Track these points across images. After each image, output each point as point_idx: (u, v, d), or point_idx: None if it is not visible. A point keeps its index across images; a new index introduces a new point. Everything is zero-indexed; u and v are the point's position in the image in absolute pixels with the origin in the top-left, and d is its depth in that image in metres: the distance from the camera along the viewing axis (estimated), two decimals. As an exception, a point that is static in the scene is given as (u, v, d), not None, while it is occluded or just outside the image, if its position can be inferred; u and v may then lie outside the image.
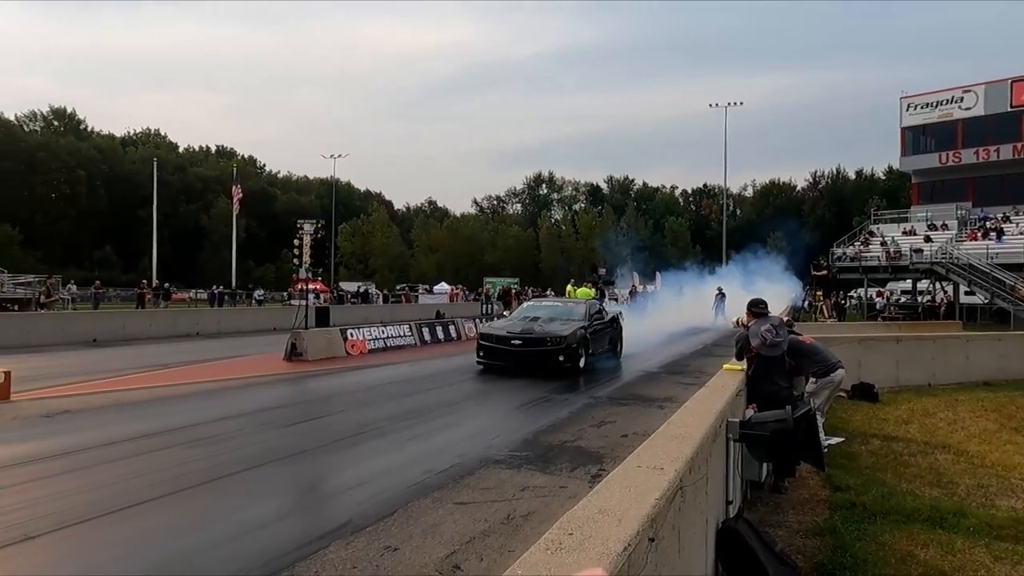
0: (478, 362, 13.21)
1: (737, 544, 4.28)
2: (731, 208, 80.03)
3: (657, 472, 2.90)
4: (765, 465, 6.34)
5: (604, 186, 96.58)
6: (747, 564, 4.25)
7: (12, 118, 69.60)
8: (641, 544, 2.22)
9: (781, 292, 30.81)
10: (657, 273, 42.99)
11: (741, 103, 57.23)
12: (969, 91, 41.60)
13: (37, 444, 7.21)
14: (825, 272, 30.80)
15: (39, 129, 71.88)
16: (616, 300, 35.81)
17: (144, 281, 42.33)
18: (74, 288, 38.50)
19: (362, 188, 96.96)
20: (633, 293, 37.27)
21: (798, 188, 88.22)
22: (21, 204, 64.85)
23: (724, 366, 7.52)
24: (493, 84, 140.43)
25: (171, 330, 22.91)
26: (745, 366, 7.12)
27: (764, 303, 7.52)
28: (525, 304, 16.38)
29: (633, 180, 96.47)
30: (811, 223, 72.47)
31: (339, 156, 69.67)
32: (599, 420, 8.88)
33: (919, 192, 45.29)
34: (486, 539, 4.66)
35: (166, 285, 43.54)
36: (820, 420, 7.32)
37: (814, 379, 8.14)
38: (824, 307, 30.55)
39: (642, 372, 13.85)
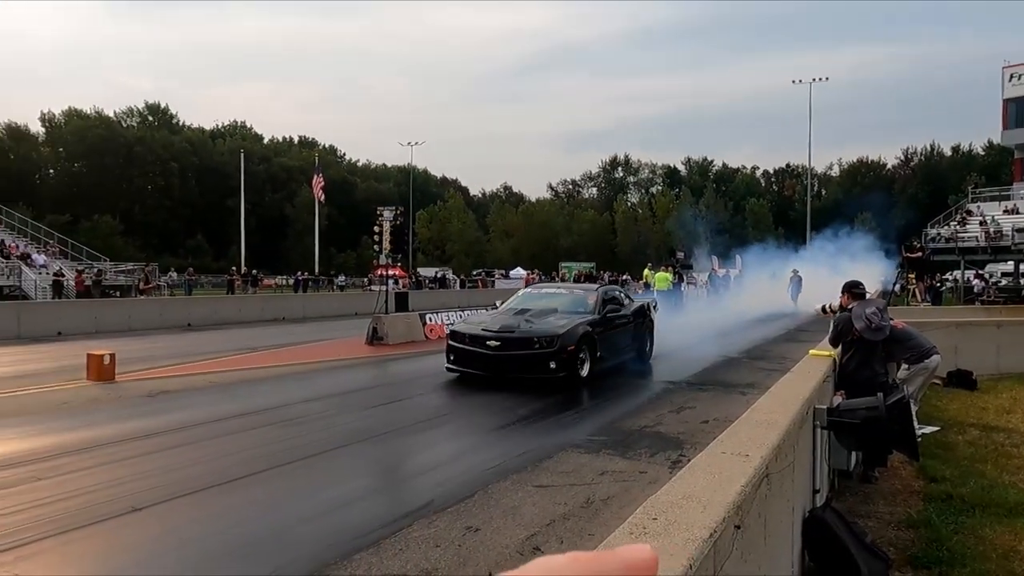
0: (448, 368, 10.40)
1: (825, 534, 4.16)
2: (815, 188, 77.16)
3: (742, 458, 2.85)
4: (854, 454, 6.13)
5: (682, 168, 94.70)
6: (835, 554, 4.14)
7: (112, 115, 73.63)
8: (727, 531, 2.19)
9: (871, 275, 29.57)
10: (737, 256, 41.90)
11: (826, 79, 54.97)
12: (1080, 58, 38.69)
13: (140, 422, 7.65)
14: (919, 254, 29.37)
15: (136, 124, 75.62)
16: (694, 284, 35.20)
17: (233, 268, 44.13)
18: (175, 276, 40.46)
19: (438, 175, 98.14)
20: (712, 277, 36.51)
21: (888, 166, 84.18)
22: (121, 196, 68.69)
23: (810, 351, 7.29)
24: (567, 67, 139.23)
25: (259, 315, 23.84)
26: (835, 351, 6.88)
27: (862, 284, 7.22)
28: (522, 292, 13.22)
29: (712, 161, 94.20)
30: (902, 202, 69.08)
31: (416, 144, 70.59)
32: (678, 406, 8.77)
33: (1023, 168, 42.52)
34: (566, 522, 4.69)
35: (254, 272, 45.28)
36: (913, 408, 7.01)
37: (907, 365, 7.80)
38: (917, 290, 29.17)
39: (722, 358, 13.54)
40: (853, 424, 4.70)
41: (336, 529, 4.61)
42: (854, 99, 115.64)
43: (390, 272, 22.70)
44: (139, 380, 10.40)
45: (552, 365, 9.64)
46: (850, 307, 6.90)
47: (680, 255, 37.56)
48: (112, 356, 10.36)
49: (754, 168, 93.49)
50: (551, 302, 11.50)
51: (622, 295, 12.85)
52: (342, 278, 50.37)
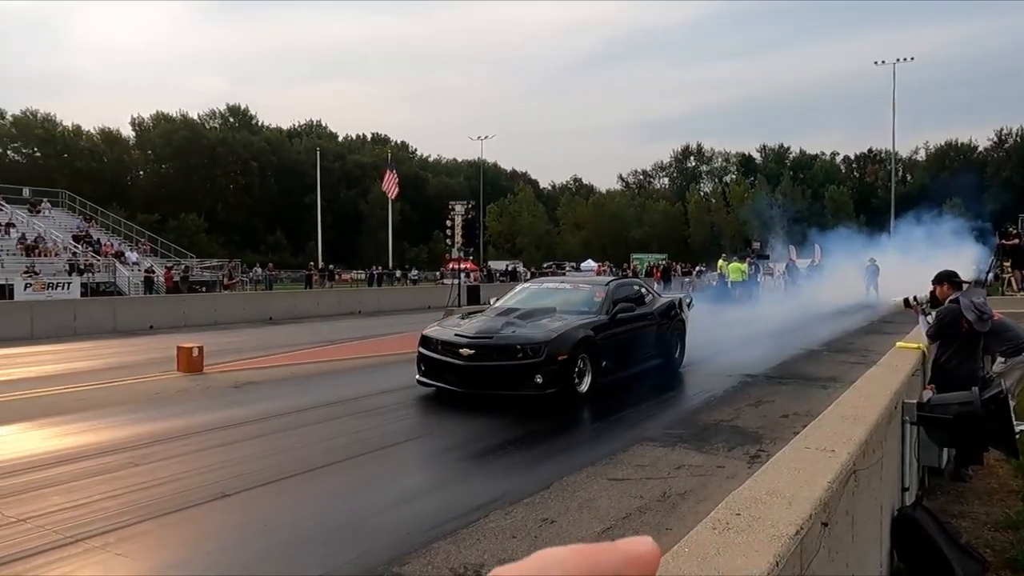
0: (419, 381, 8.70)
1: (915, 533, 4.00)
2: (900, 174, 73.87)
3: (828, 454, 2.75)
4: (945, 451, 5.85)
5: (757, 155, 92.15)
6: (927, 555, 3.97)
7: (196, 117, 76.84)
8: (813, 528, 2.12)
9: (961, 264, 28.09)
10: (816, 245, 40.52)
11: (911, 58, 52.54)
12: None
13: (227, 412, 7.97)
14: (1016, 241, 27.71)
15: (218, 126, 78.64)
16: (771, 275, 34.25)
17: (311, 263, 45.44)
18: (260, 271, 41.80)
19: (508, 168, 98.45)
20: (790, 267, 35.44)
21: (980, 149, 79.77)
22: (205, 195, 71.68)
23: (897, 343, 6.99)
24: (638, 57, 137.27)
25: (336, 308, 24.48)
26: (925, 344, 6.57)
27: (958, 274, 6.86)
28: (520, 287, 11.47)
29: (788, 148, 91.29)
30: (996, 186, 65.42)
31: (485, 138, 71.06)
32: (756, 399, 8.56)
33: None
34: (642, 516, 4.65)
35: (331, 267, 46.51)
36: (1011, 403, 6.64)
37: (1003, 358, 7.38)
38: (1013, 279, 27.58)
39: (802, 350, 13.14)
40: (945, 420, 4.49)
41: (414, 518, 4.70)
42: (942, 79, 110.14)
43: (462, 266, 22.96)
44: (225, 372, 10.83)
45: (538, 379, 7.83)
46: (951, 298, 6.51)
47: (756, 245, 36.61)
48: (200, 349, 10.82)
49: (833, 154, 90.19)
50: (550, 300, 9.68)
51: (644, 290, 10.90)
52: (415, 272, 51.24)
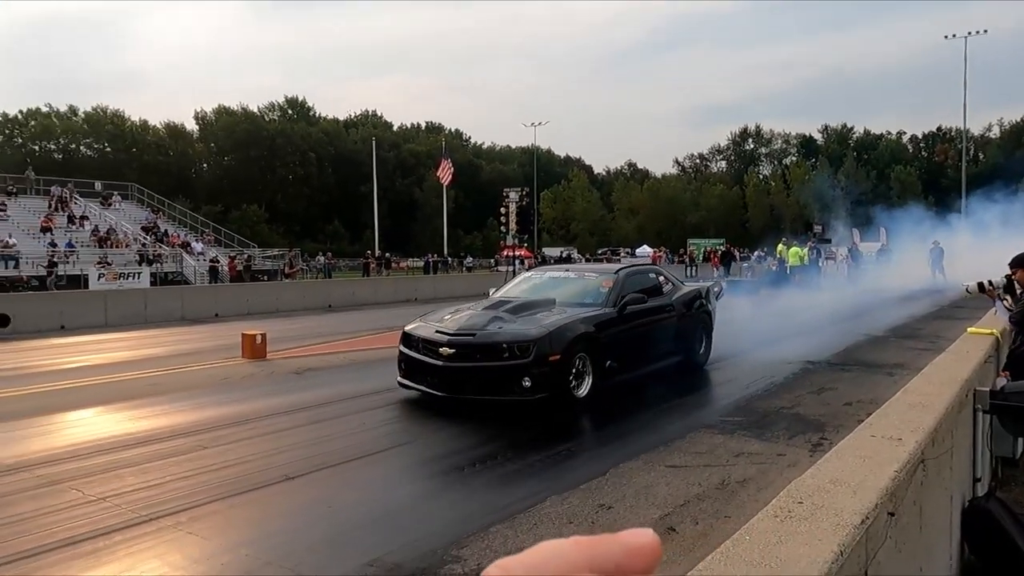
0: (400, 383, 7.82)
1: (988, 525, 3.86)
2: (971, 152, 70.77)
3: (894, 442, 2.68)
4: (1020, 440, 5.62)
5: (818, 136, 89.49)
6: (1000, 547, 3.83)
7: (256, 110, 78.67)
8: (879, 518, 2.07)
9: None
10: (882, 228, 39.20)
11: (984, 31, 50.09)
12: None
13: (290, 397, 8.19)
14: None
15: (276, 118, 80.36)
16: (833, 259, 33.32)
17: (368, 252, 46.18)
18: (322, 259, 42.50)
19: (562, 155, 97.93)
20: (853, 251, 34.40)
21: (1061, 123, 75.73)
22: (265, 186, 73.44)
23: (969, 329, 6.73)
24: (693, 40, 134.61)
25: (393, 296, 24.84)
26: (1000, 330, 6.30)
27: None
28: (521, 276, 10.45)
29: (852, 128, 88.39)
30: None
31: (539, 124, 70.75)
32: (818, 387, 8.36)
33: None
34: (700, 503, 4.61)
35: (387, 255, 47.17)
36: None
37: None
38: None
39: (865, 336, 12.77)
40: (1020, 408, 4.31)
41: (472, 501, 4.76)
42: (1019, 52, 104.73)
43: (516, 252, 22.99)
44: (287, 358, 11.11)
45: (526, 382, 6.90)
46: None
47: (817, 228, 35.68)
48: (263, 336, 11.13)
49: (900, 133, 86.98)
50: (552, 291, 8.68)
51: (661, 278, 9.64)
52: (469, 259, 51.58)
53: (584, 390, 7.35)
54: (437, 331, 7.49)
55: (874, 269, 29.41)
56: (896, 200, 65.97)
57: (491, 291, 9.74)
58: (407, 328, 7.97)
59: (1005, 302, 6.68)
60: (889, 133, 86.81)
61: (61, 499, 4.77)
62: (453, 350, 7.15)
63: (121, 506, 4.62)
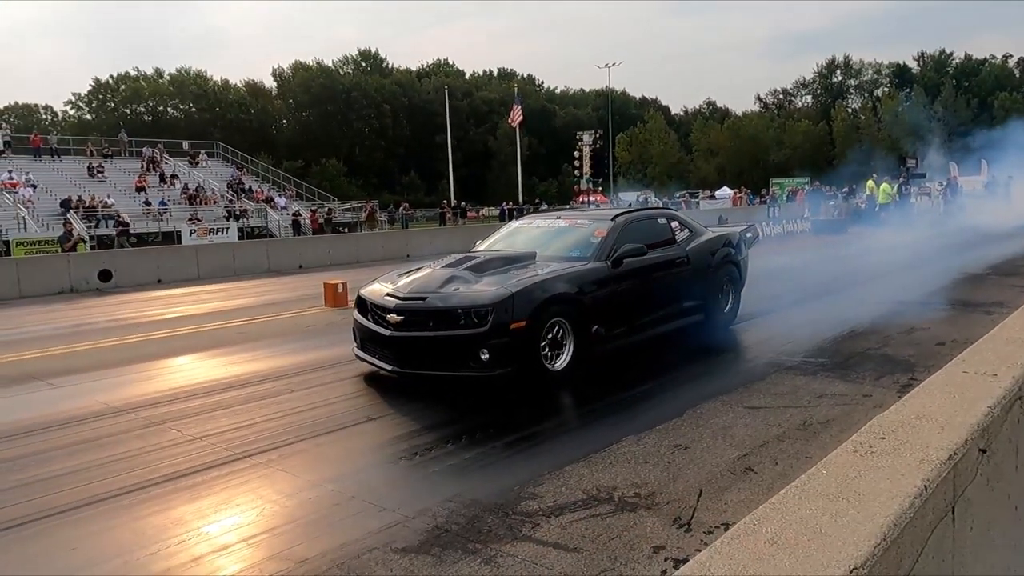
0: (355, 354, 6.89)
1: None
2: (1089, 74, 64.96)
3: (989, 378, 2.54)
4: None
5: (913, 65, 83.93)
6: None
7: (331, 64, 79.60)
8: (970, 454, 1.98)
9: None
10: (983, 161, 36.73)
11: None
12: None
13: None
14: None
15: (351, 71, 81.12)
16: (928, 195, 31.54)
17: (444, 201, 46.53)
18: (400, 211, 42.65)
19: (638, 96, 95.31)
20: (951, 185, 32.43)
21: None
22: (343, 140, 74.73)
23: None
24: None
25: (470, 244, 24.93)
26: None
27: None
28: (505, 227, 9.38)
29: (951, 54, 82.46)
30: None
31: (613, 65, 68.68)
32: (908, 327, 8.00)
33: None
34: (780, 444, 4.53)
35: (462, 204, 47.43)
36: None
37: None
38: None
39: (963, 274, 12.09)
40: None
41: (541, 447, 4.83)
42: None
43: (592, 198, 22.71)
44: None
45: (484, 356, 5.85)
46: None
47: (911, 163, 33.75)
48: (344, 285, 11.44)
49: (1006, 57, 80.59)
50: (535, 243, 7.56)
51: (675, 224, 8.18)
52: (545, 206, 51.31)
53: (563, 362, 6.22)
54: (387, 294, 6.46)
55: (974, 204, 27.70)
56: (1000, 131, 61.58)
57: (477, 243, 8.78)
58: (361, 291, 7.00)
59: None
60: (993, 57, 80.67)
61: (163, 438, 5.10)
62: (401, 317, 6.12)
63: (217, 445, 4.89)
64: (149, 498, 4.06)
